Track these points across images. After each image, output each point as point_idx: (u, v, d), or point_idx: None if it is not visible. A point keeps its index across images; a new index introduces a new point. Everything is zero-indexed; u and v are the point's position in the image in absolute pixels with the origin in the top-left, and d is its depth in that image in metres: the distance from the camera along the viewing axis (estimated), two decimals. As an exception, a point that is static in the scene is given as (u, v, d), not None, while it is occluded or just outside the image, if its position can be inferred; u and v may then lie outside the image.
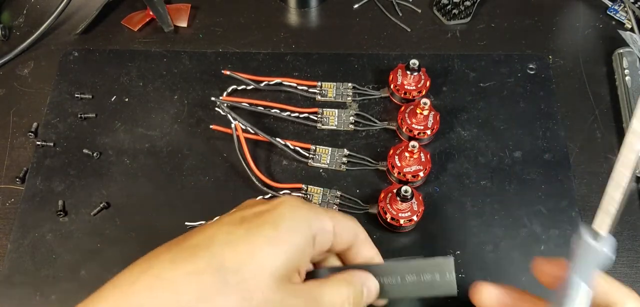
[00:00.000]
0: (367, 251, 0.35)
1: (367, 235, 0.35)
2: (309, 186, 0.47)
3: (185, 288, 0.28)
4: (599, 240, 0.30)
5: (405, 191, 0.43)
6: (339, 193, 0.47)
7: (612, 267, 0.44)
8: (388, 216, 0.44)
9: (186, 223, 0.46)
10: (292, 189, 0.47)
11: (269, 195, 0.47)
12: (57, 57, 0.56)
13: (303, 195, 0.47)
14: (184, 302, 0.27)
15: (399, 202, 0.44)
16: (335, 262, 0.36)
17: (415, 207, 0.44)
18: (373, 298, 0.34)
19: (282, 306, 0.29)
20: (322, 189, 0.47)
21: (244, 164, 0.47)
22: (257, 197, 0.47)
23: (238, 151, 0.48)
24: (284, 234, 0.30)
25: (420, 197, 0.45)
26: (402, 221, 0.44)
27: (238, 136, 0.48)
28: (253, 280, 0.28)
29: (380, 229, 0.46)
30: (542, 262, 0.34)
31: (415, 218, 0.44)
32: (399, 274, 0.34)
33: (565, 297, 0.30)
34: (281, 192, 0.47)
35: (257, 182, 0.47)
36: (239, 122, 0.49)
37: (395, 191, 0.44)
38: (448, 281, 0.34)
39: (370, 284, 0.34)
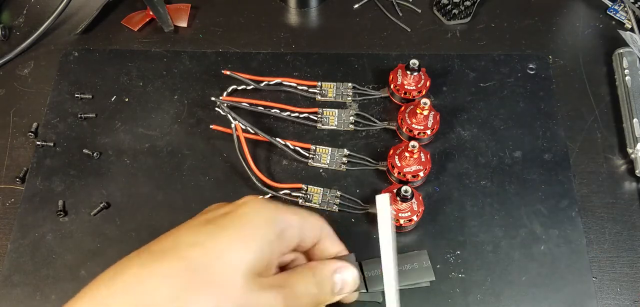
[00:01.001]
0: (333, 246, 0.35)
1: (333, 231, 0.36)
2: (308, 186, 0.47)
3: (158, 289, 0.28)
4: None
5: (405, 191, 0.43)
6: (339, 193, 0.47)
7: (612, 266, 0.44)
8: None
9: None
10: (292, 189, 0.47)
11: (269, 195, 0.47)
12: (57, 57, 0.56)
13: (303, 195, 0.47)
14: (158, 302, 0.28)
15: (399, 202, 0.44)
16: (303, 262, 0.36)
17: (415, 207, 0.44)
18: (351, 287, 0.35)
19: (255, 302, 0.30)
20: (322, 189, 0.47)
21: (244, 164, 0.47)
22: (257, 188, 0.47)
23: (238, 151, 0.48)
24: (249, 231, 0.30)
25: (420, 197, 0.45)
26: (402, 221, 0.44)
27: (238, 136, 0.48)
28: (223, 278, 0.29)
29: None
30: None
31: (415, 218, 0.44)
32: (380, 266, 0.36)
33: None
34: (281, 192, 0.47)
35: (257, 182, 0.47)
36: (239, 122, 0.49)
37: (395, 191, 0.44)
38: (427, 268, 0.41)
39: (345, 274, 0.34)
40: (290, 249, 0.33)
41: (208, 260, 0.29)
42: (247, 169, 0.47)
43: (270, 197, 0.47)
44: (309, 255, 0.36)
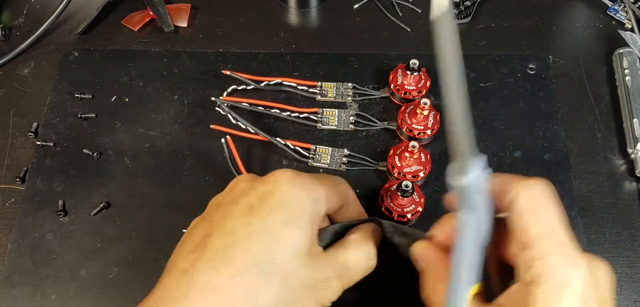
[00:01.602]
0: (355, 209, 0.37)
1: (355, 195, 0.38)
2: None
3: (235, 291, 0.29)
4: (464, 172, 0.28)
5: (406, 186, 0.44)
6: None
7: (613, 266, 0.44)
8: (394, 214, 0.44)
9: (184, 231, 0.45)
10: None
11: None
12: (57, 57, 0.56)
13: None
14: (237, 303, 0.29)
15: (399, 197, 0.44)
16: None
17: (417, 199, 0.45)
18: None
19: (316, 279, 0.31)
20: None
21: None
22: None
23: (230, 163, 0.47)
24: (294, 212, 0.31)
25: (419, 190, 0.45)
26: (409, 215, 0.44)
27: (230, 150, 0.47)
28: (286, 264, 0.30)
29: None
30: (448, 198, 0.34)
31: (420, 209, 0.44)
32: (391, 233, 0.37)
33: (458, 239, 0.29)
34: None
35: None
36: (239, 122, 0.49)
37: (395, 186, 0.44)
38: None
39: (377, 234, 0.36)
40: (321, 216, 0.34)
41: (269, 249, 0.30)
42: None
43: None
44: (331, 216, 0.37)
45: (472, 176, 0.28)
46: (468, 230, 0.29)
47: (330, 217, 0.37)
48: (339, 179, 0.36)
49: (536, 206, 0.29)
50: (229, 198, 0.33)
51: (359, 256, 0.34)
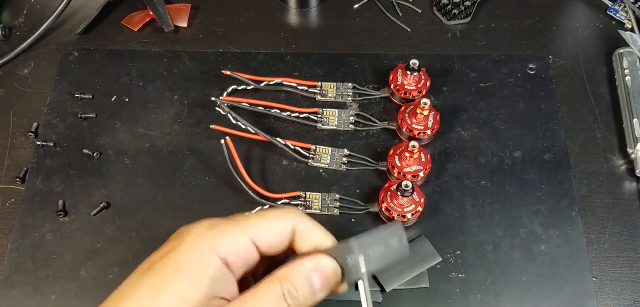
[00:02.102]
0: (313, 238, 0.31)
1: (310, 221, 0.32)
2: (307, 193, 0.47)
3: None
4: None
5: (406, 186, 0.44)
6: (337, 196, 0.47)
7: (612, 266, 0.44)
8: (394, 214, 0.44)
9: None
10: (290, 198, 0.47)
11: (266, 206, 0.46)
12: (57, 57, 0.56)
13: (302, 202, 0.47)
14: None
15: (399, 197, 0.44)
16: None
17: (417, 198, 0.45)
18: (334, 282, 0.30)
19: None
20: (320, 194, 0.47)
21: (238, 178, 0.47)
22: (255, 200, 0.47)
23: (230, 165, 0.47)
24: (185, 272, 0.28)
25: (419, 189, 0.45)
26: (408, 216, 0.44)
27: (230, 151, 0.47)
28: None
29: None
30: None
31: (419, 209, 0.45)
32: (365, 247, 0.31)
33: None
34: (279, 203, 0.46)
35: (253, 195, 0.46)
36: (239, 122, 0.49)
37: (395, 186, 0.44)
38: (404, 245, 0.32)
39: (324, 268, 0.30)
40: (252, 265, 0.31)
41: None
42: (242, 182, 0.47)
43: (268, 208, 0.46)
44: (293, 252, 0.32)
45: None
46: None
47: (294, 250, 0.32)
48: (283, 211, 0.32)
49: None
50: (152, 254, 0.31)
51: (274, 298, 0.29)
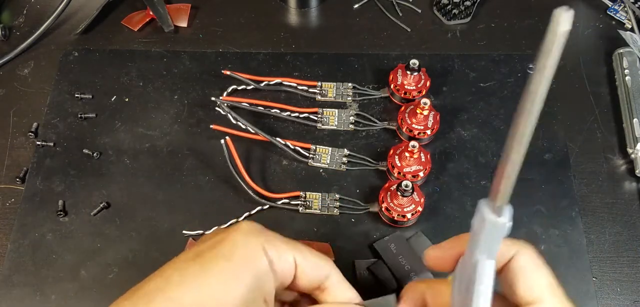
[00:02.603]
0: (342, 293, 0.33)
1: (343, 280, 0.33)
2: (307, 193, 0.47)
3: None
4: (501, 214, 0.28)
5: (406, 186, 0.44)
6: (337, 196, 0.47)
7: (612, 266, 0.44)
8: (394, 214, 0.44)
9: (184, 232, 0.46)
10: (290, 198, 0.47)
11: (267, 206, 0.47)
12: (57, 57, 0.56)
13: (302, 202, 0.47)
14: None
15: (399, 197, 0.44)
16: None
17: (417, 198, 0.45)
18: None
19: None
20: (320, 194, 0.47)
21: (239, 179, 0.47)
22: (255, 200, 0.47)
23: (230, 165, 0.47)
24: (237, 264, 0.29)
25: (419, 189, 0.45)
26: (408, 215, 0.44)
27: (230, 151, 0.47)
28: None
29: (383, 225, 0.46)
30: (433, 251, 0.32)
31: (419, 209, 0.45)
32: None
33: (473, 278, 0.28)
34: (279, 202, 0.47)
35: (253, 195, 0.46)
36: (239, 122, 0.49)
37: (395, 186, 0.44)
38: None
39: None
40: (285, 284, 0.31)
41: (197, 299, 0.28)
42: (242, 182, 0.47)
43: (268, 208, 0.46)
44: (315, 297, 0.33)
45: (504, 220, 0.28)
46: (487, 276, 0.28)
47: (315, 300, 0.33)
48: (325, 257, 0.32)
49: (537, 266, 0.29)
50: (192, 246, 0.32)
51: None
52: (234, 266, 0.29)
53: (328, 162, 0.49)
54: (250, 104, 0.51)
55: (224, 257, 0.29)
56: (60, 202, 0.47)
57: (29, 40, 0.57)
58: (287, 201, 0.47)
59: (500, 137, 0.50)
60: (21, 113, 0.53)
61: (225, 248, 0.29)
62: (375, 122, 0.51)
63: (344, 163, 0.49)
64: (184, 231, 0.46)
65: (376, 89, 0.53)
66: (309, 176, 0.48)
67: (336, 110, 0.51)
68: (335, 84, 0.53)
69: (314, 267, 0.31)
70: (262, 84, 0.53)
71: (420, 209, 0.45)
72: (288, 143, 0.49)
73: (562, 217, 0.46)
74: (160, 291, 0.28)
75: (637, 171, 0.48)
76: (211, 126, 0.50)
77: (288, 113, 0.51)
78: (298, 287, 0.32)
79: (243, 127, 0.49)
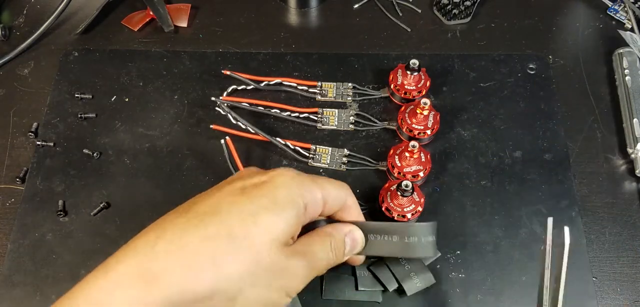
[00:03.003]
0: (352, 214, 0.39)
1: (355, 200, 0.39)
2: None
3: (201, 251, 0.31)
4: None
5: (406, 185, 0.44)
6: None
7: (612, 266, 0.44)
8: (394, 214, 0.44)
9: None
10: None
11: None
12: (57, 57, 0.56)
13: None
14: (200, 263, 0.30)
15: (399, 197, 0.44)
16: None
17: (417, 198, 0.45)
18: (359, 248, 0.39)
19: (285, 265, 0.32)
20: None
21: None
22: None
23: (230, 164, 0.47)
24: (281, 204, 0.33)
25: (418, 188, 0.45)
26: (409, 216, 0.44)
27: (230, 151, 0.47)
28: (259, 244, 0.31)
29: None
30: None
31: (419, 209, 0.45)
32: (386, 233, 0.39)
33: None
34: None
35: None
36: (239, 122, 0.49)
37: (395, 186, 0.44)
38: (430, 243, 0.39)
39: (356, 235, 0.38)
40: (313, 219, 0.36)
41: (246, 226, 0.31)
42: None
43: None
44: (331, 217, 0.39)
45: None
46: None
47: (330, 217, 0.39)
48: (341, 184, 0.38)
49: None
50: (230, 180, 0.35)
51: (325, 248, 0.36)
52: (278, 205, 0.33)
53: (328, 162, 0.49)
54: (250, 104, 0.51)
55: (269, 196, 0.33)
56: (60, 202, 0.47)
57: (29, 40, 0.57)
58: None
59: (500, 137, 0.50)
60: (21, 113, 0.53)
61: (269, 189, 0.33)
62: (375, 122, 0.51)
63: (344, 163, 0.49)
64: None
65: (376, 89, 0.53)
66: (309, 176, 0.48)
67: (336, 110, 0.51)
68: (335, 84, 0.53)
69: (336, 198, 0.37)
70: (262, 84, 0.53)
71: (420, 209, 0.45)
72: (288, 143, 0.49)
73: (562, 217, 0.46)
74: (212, 214, 0.32)
75: (637, 171, 0.48)
76: (211, 126, 0.50)
77: (288, 113, 0.51)
78: (323, 214, 0.37)
79: (243, 127, 0.49)
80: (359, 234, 0.38)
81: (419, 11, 0.59)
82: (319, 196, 0.35)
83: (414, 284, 0.42)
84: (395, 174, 0.47)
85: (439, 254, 0.44)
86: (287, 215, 0.33)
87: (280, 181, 0.34)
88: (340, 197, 0.37)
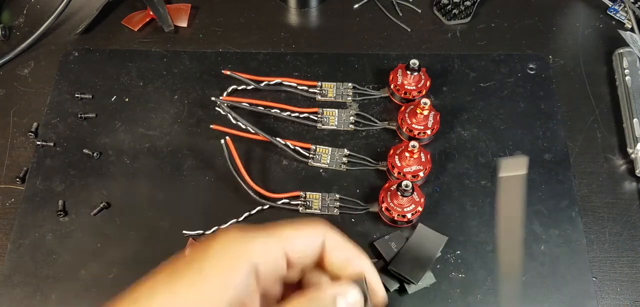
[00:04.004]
0: (339, 255, 0.31)
1: (339, 235, 0.31)
2: (307, 193, 0.47)
3: None
4: None
5: (406, 186, 0.44)
6: (337, 196, 0.47)
7: (612, 266, 0.44)
8: (394, 214, 0.44)
9: (184, 232, 0.45)
10: (290, 198, 0.47)
11: (267, 206, 0.46)
12: (57, 57, 0.56)
13: (302, 202, 0.47)
14: None
15: (399, 197, 0.44)
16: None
17: (417, 198, 0.45)
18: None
19: None
20: (320, 194, 0.47)
21: (239, 178, 0.47)
22: (255, 200, 0.47)
23: (231, 165, 0.47)
24: (211, 276, 0.27)
25: (418, 188, 0.45)
26: (409, 216, 0.44)
27: (230, 151, 0.47)
28: None
29: (383, 225, 0.46)
30: None
31: (419, 209, 0.45)
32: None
33: None
34: (279, 202, 0.47)
35: (253, 195, 0.46)
36: (239, 122, 0.49)
37: (395, 186, 0.44)
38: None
39: (349, 296, 0.29)
40: (281, 275, 0.30)
41: (182, 298, 0.27)
42: (242, 182, 0.47)
43: (268, 208, 0.46)
44: (323, 267, 0.32)
45: None
46: None
47: (323, 267, 0.31)
48: (314, 225, 0.31)
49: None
50: (177, 256, 0.31)
51: None
52: (206, 279, 0.27)
53: (328, 162, 0.49)
54: (250, 104, 0.51)
55: (196, 269, 0.28)
56: (60, 202, 0.47)
57: (29, 40, 0.57)
58: (287, 201, 0.47)
59: (500, 137, 0.50)
60: (21, 113, 0.53)
61: (200, 259, 0.28)
62: (375, 122, 0.51)
63: (344, 163, 0.49)
64: (184, 231, 0.46)
65: (376, 89, 0.53)
66: (309, 176, 0.48)
67: (336, 110, 0.51)
68: (335, 84, 0.53)
69: (306, 247, 0.30)
70: (262, 84, 0.53)
71: (420, 209, 0.45)
72: (288, 143, 0.49)
73: (562, 217, 0.46)
74: (148, 296, 0.27)
75: (637, 171, 0.48)
76: (211, 126, 0.50)
77: (288, 113, 0.51)
78: (295, 268, 0.31)
79: (243, 127, 0.49)
80: (353, 296, 0.29)
81: (419, 11, 0.59)
82: (273, 248, 0.29)
83: (415, 284, 0.42)
84: (395, 174, 0.47)
85: (447, 238, 0.44)
86: (219, 287, 0.27)
87: (217, 244, 0.28)
88: (310, 244, 0.30)
